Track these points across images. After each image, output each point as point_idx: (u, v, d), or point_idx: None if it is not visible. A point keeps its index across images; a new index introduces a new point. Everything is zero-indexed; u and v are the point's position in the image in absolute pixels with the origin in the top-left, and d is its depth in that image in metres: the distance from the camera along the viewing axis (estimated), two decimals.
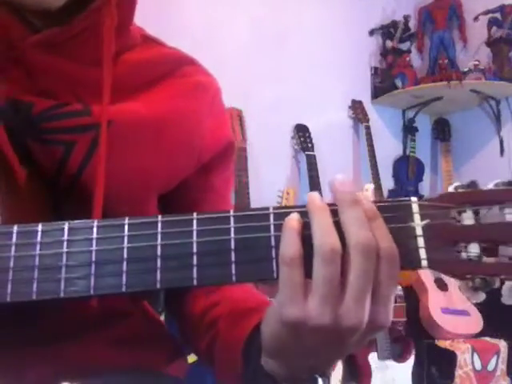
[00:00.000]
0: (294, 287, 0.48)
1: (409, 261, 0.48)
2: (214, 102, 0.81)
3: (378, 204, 0.49)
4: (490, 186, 0.46)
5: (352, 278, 0.47)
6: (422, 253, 0.48)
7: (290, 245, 0.49)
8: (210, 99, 0.81)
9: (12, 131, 0.63)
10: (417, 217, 0.49)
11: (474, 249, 0.46)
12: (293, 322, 0.49)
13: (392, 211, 0.49)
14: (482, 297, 0.45)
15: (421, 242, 0.48)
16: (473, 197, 0.47)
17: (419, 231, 0.48)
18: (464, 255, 0.46)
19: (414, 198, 0.49)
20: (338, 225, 0.49)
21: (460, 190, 0.48)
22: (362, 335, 0.50)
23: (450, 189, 0.48)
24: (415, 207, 0.49)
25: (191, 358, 1.07)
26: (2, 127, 0.62)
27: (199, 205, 0.81)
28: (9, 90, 0.66)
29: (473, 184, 0.47)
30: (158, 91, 0.75)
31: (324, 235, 0.48)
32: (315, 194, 0.52)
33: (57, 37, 0.67)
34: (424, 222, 0.48)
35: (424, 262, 0.48)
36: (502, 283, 0.45)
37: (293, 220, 0.50)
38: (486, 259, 0.45)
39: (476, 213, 0.47)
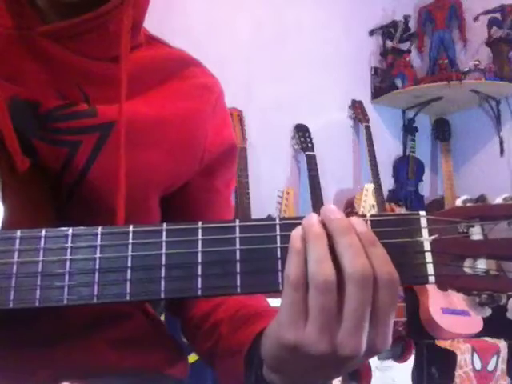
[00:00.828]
0: (294, 310, 0.48)
1: (416, 276, 0.48)
2: (217, 104, 0.81)
3: (387, 218, 0.49)
4: (499, 200, 0.46)
5: (349, 308, 0.47)
6: (430, 268, 0.47)
7: (293, 267, 0.48)
8: (214, 101, 0.81)
9: (18, 130, 0.63)
10: (425, 231, 0.48)
11: (481, 264, 0.45)
12: (290, 346, 0.49)
13: (400, 225, 0.49)
14: (487, 312, 0.45)
15: (428, 257, 0.48)
16: (481, 211, 0.47)
17: (427, 246, 0.48)
18: (471, 271, 0.46)
19: (422, 212, 0.49)
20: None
21: (468, 204, 0.47)
22: (361, 358, 0.49)
23: (458, 202, 0.48)
24: (423, 221, 0.49)
25: (192, 358, 1.07)
26: (8, 118, 0.62)
27: (200, 206, 0.81)
28: (16, 89, 0.66)
29: (481, 198, 0.46)
30: (163, 91, 0.75)
31: (318, 265, 0.47)
32: (313, 217, 0.50)
33: (67, 30, 0.67)
34: (432, 237, 0.48)
35: (431, 278, 0.47)
36: (509, 298, 0.45)
37: (297, 239, 0.49)
38: (492, 275, 0.44)
39: (484, 227, 0.46)
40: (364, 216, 0.49)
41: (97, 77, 0.70)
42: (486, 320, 2.37)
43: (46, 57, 0.67)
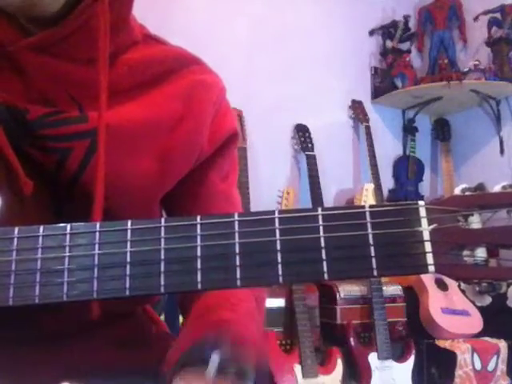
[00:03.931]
0: None
1: (416, 266, 0.48)
2: (217, 101, 0.79)
3: (386, 208, 0.49)
4: (497, 188, 0.46)
5: None
6: (429, 258, 0.47)
7: None
8: (214, 98, 0.79)
9: (9, 138, 0.63)
10: (424, 221, 0.48)
11: (481, 253, 0.45)
12: None
13: (399, 215, 0.49)
14: (488, 300, 0.45)
15: (428, 246, 0.47)
16: (480, 200, 0.46)
17: (426, 236, 0.48)
18: (471, 260, 0.46)
19: (421, 202, 0.48)
20: None
21: (467, 193, 0.47)
22: None
23: (457, 191, 0.47)
24: (422, 211, 0.48)
25: None
26: (5, 138, 0.62)
27: (195, 200, 0.79)
28: (3, 97, 0.65)
29: (480, 186, 0.46)
30: (160, 91, 0.74)
31: None
32: None
33: (49, 39, 0.66)
34: (431, 227, 0.47)
35: (431, 268, 0.47)
36: (508, 287, 0.45)
37: None
38: (492, 263, 0.44)
39: (482, 216, 0.46)
40: (363, 207, 0.49)
41: (87, 81, 0.68)
42: (489, 322, 2.36)
43: (32, 69, 0.66)
